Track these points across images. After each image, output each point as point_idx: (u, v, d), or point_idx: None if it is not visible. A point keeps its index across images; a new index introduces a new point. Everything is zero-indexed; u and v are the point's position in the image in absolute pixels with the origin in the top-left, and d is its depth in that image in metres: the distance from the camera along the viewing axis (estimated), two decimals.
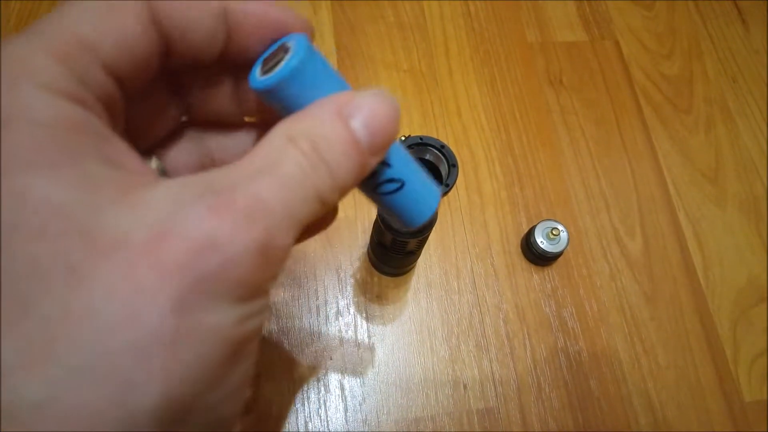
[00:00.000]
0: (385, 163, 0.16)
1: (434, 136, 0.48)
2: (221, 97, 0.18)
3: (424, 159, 0.30)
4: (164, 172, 0.18)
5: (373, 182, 0.16)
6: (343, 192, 0.14)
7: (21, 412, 0.10)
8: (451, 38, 0.56)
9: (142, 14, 0.13)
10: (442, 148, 0.29)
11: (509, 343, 0.44)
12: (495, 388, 0.42)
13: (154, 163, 0.17)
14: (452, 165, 0.29)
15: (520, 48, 0.56)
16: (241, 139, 0.18)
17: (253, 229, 0.12)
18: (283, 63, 0.14)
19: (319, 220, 0.18)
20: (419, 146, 0.30)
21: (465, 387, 0.42)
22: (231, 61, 0.16)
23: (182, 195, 0.12)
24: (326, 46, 0.53)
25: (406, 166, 0.16)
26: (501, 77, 0.55)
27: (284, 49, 0.15)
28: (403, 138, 0.30)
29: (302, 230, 0.13)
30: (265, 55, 0.15)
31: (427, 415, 0.41)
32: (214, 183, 0.12)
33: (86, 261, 0.10)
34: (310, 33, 0.16)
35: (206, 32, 0.14)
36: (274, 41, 0.15)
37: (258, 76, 0.15)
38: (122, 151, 0.13)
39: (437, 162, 0.30)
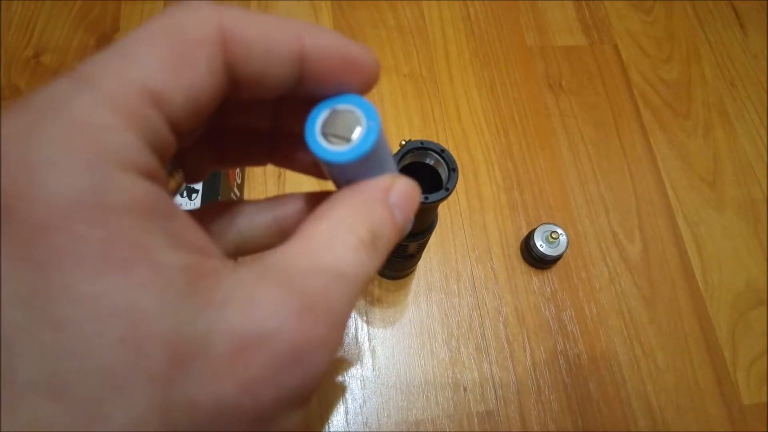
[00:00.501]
0: None
1: (434, 140, 0.48)
2: (257, 124, 0.17)
3: (425, 163, 0.31)
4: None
5: None
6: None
7: None
8: (450, 42, 0.56)
9: (216, 59, 0.12)
10: (442, 152, 0.29)
11: (509, 345, 0.44)
12: (495, 390, 0.42)
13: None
14: (452, 169, 0.29)
15: (520, 52, 0.57)
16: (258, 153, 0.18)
17: (334, 336, 0.11)
18: (358, 140, 0.14)
19: None
20: (419, 150, 0.30)
21: (465, 390, 0.42)
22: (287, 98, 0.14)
23: (258, 294, 0.11)
24: None
25: None
26: (501, 81, 0.55)
27: (353, 117, 0.14)
28: (403, 142, 0.30)
29: None
30: (324, 108, 0.14)
31: (428, 418, 0.41)
32: (290, 279, 0.11)
33: (166, 372, 0.10)
34: (376, 76, 0.15)
35: (281, 76, 0.13)
36: (341, 90, 0.14)
37: (319, 138, 0.14)
38: (186, 227, 0.12)
39: (437, 166, 0.30)
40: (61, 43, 0.52)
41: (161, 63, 0.11)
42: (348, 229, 0.13)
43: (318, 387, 0.12)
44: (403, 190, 0.14)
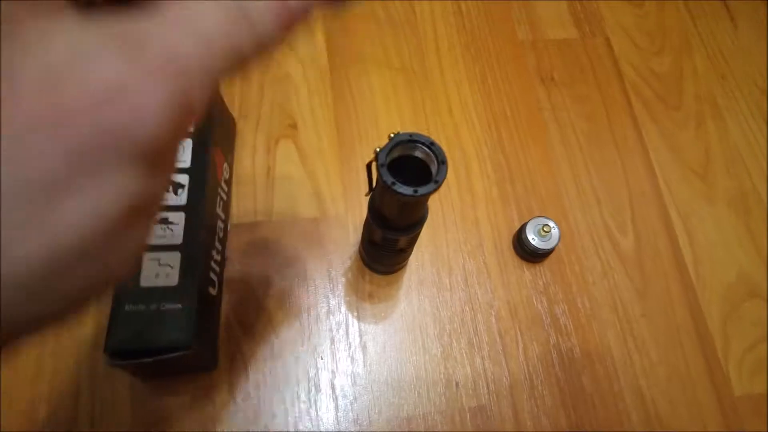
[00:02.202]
0: None
1: (425, 133, 0.47)
2: None
3: (414, 156, 0.30)
4: None
5: None
6: (265, 49, 0.13)
7: None
8: (441, 36, 0.55)
9: None
10: (431, 145, 0.29)
11: (501, 340, 0.44)
12: (487, 385, 0.42)
13: None
14: (441, 162, 0.29)
15: (511, 45, 0.56)
16: None
17: (166, 82, 0.11)
18: None
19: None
20: (408, 143, 0.30)
21: (457, 385, 0.42)
22: None
23: (87, 36, 0.10)
24: (317, 43, 0.53)
25: None
26: (492, 75, 0.54)
27: None
28: (392, 135, 0.29)
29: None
30: None
31: (419, 414, 0.40)
32: (126, 30, 0.11)
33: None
34: None
35: None
36: None
37: None
38: None
39: (427, 159, 0.30)
40: None
41: None
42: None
43: (157, 136, 0.11)
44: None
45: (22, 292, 0.10)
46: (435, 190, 0.28)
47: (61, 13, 0.11)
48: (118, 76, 0.10)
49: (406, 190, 0.28)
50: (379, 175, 0.28)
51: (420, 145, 0.29)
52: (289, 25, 0.13)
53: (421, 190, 0.28)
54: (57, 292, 0.11)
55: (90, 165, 0.10)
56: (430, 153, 0.29)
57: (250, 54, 0.12)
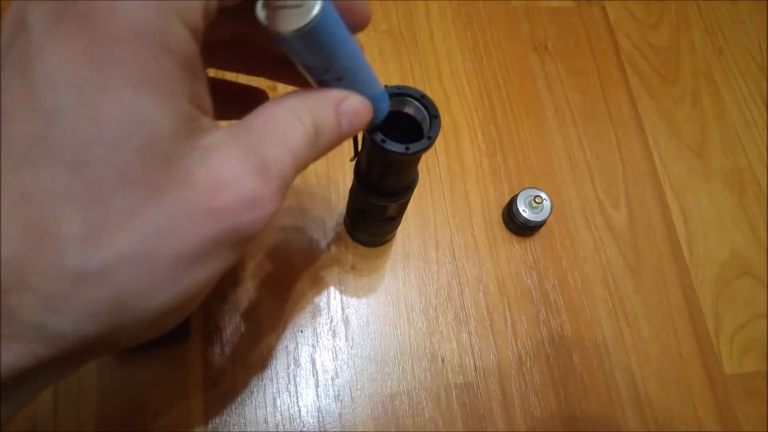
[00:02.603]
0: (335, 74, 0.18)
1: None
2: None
3: (403, 112, 0.28)
4: None
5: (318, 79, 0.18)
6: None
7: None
8: None
9: None
10: (421, 98, 0.27)
11: (489, 315, 0.42)
12: (474, 361, 0.40)
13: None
14: (434, 116, 0.26)
15: (505, 12, 0.54)
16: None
17: (280, 192, 0.15)
18: (303, 14, 0.15)
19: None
20: (396, 97, 0.27)
21: (443, 360, 0.40)
22: None
23: (231, 151, 0.15)
24: None
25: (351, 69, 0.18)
26: (484, 42, 0.52)
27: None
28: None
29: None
30: None
31: (403, 390, 0.39)
32: (252, 146, 0.15)
33: (163, 182, 0.13)
34: (368, 20, 0.19)
35: None
36: None
37: (262, 10, 0.16)
38: (203, 86, 0.15)
39: (417, 115, 0.28)
40: None
41: None
42: (297, 117, 0.16)
43: (258, 234, 0.15)
44: (354, 104, 0.18)
45: (145, 328, 0.15)
46: (428, 147, 0.26)
47: (211, 131, 0.15)
48: (253, 191, 0.14)
49: (398, 147, 0.26)
50: (367, 134, 0.26)
51: (409, 99, 0.27)
52: (343, 140, 0.18)
53: (413, 147, 0.26)
54: (164, 324, 0.15)
55: (220, 247, 0.14)
56: (421, 107, 0.27)
57: (311, 162, 0.17)
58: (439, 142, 0.47)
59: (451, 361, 0.40)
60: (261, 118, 0.16)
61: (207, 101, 0.15)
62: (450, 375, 0.40)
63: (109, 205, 0.12)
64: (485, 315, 0.42)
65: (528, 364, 0.41)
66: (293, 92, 0.17)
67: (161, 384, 0.36)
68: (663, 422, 0.41)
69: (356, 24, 0.18)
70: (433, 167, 0.46)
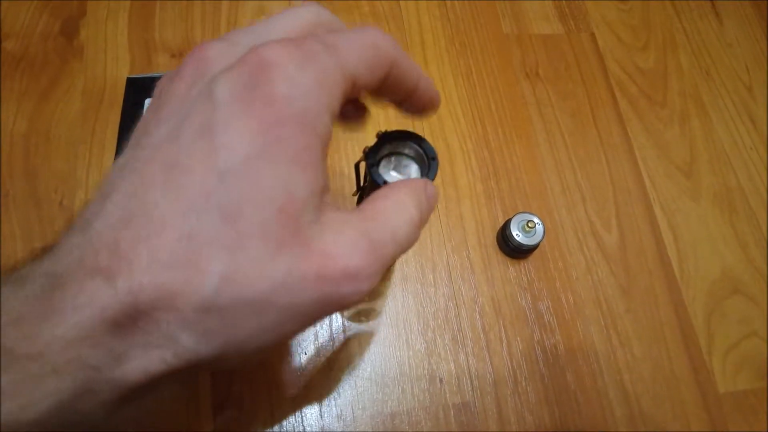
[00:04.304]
0: None
1: (410, 128, 0.47)
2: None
3: (404, 153, 0.30)
4: None
5: None
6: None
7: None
8: (426, 29, 0.55)
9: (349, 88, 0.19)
10: (421, 142, 0.29)
11: (485, 336, 0.43)
12: (471, 381, 0.41)
13: None
14: (432, 158, 0.28)
15: (497, 40, 0.56)
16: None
17: (380, 270, 0.17)
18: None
19: None
20: (397, 141, 0.29)
21: (441, 381, 0.41)
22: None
23: (345, 231, 0.17)
24: None
25: None
26: (477, 69, 0.54)
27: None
28: (379, 133, 0.29)
29: None
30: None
31: (403, 410, 0.40)
32: (365, 228, 0.17)
33: (290, 240, 0.15)
34: (438, 105, 0.24)
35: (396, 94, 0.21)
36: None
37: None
38: (326, 168, 0.18)
39: (416, 157, 0.29)
40: (24, 28, 0.50)
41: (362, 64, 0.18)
42: (406, 207, 0.19)
43: (352, 305, 0.19)
44: (433, 189, 0.22)
45: (240, 360, 0.17)
46: None
47: (329, 209, 0.17)
48: (357, 266, 0.16)
49: None
50: (369, 175, 0.28)
51: (409, 143, 0.29)
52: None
53: None
54: (255, 360, 0.19)
55: (318, 309, 0.16)
56: (420, 150, 0.29)
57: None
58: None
59: (449, 381, 0.41)
60: (372, 208, 0.19)
61: (328, 179, 0.18)
62: (448, 395, 0.41)
63: (247, 251, 0.15)
64: (481, 336, 0.43)
65: (523, 384, 0.42)
66: (393, 184, 0.21)
67: (169, 407, 0.38)
68: None
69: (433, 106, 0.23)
70: None
